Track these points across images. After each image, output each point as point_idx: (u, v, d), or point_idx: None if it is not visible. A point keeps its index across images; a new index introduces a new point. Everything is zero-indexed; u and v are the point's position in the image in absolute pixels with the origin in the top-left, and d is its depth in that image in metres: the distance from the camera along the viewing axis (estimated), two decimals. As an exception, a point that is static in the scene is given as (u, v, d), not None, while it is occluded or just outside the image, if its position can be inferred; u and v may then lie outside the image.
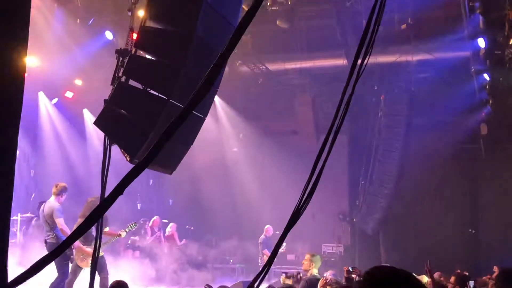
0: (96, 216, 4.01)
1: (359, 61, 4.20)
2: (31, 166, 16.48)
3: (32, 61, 14.52)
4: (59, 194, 10.10)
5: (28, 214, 13.85)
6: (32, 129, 16.60)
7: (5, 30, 3.08)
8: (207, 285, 8.88)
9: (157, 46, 6.53)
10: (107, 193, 4.81)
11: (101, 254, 10.55)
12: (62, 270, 9.85)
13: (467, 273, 9.10)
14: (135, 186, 18.13)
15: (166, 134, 4.11)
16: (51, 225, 9.94)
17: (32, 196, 15.70)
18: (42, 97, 17.09)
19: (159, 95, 6.48)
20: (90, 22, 14.45)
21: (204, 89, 4.09)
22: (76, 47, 15.07)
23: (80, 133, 17.28)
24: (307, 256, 9.08)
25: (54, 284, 9.82)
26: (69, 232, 9.85)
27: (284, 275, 9.05)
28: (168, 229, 16.61)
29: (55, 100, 17.34)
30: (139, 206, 17.96)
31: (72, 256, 10.01)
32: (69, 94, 17.19)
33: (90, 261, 10.16)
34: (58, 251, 4.34)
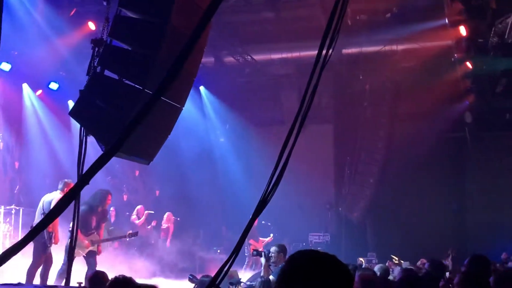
0: (64, 203, 4.02)
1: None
2: (16, 158, 16.34)
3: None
4: (63, 190, 10.37)
5: (13, 206, 13.75)
6: (17, 121, 16.46)
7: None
8: (191, 275, 8.91)
9: (132, 35, 6.50)
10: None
11: (93, 249, 10.72)
12: (36, 257, 10.05)
13: (446, 262, 9.16)
14: (121, 178, 18.06)
15: (134, 122, 4.11)
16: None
17: (17, 188, 15.60)
18: (26, 88, 16.92)
19: (134, 85, 6.45)
20: (72, 12, 14.31)
21: (172, 76, 4.08)
22: (59, 38, 14.91)
23: (65, 125, 17.09)
24: (274, 249, 8.30)
25: (28, 270, 10.05)
26: (57, 225, 10.13)
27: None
28: (164, 225, 16.72)
29: (39, 92, 17.18)
30: (125, 197, 17.86)
31: (49, 246, 10.06)
32: (53, 86, 17.02)
33: (82, 252, 10.35)
34: (32, 235, 4.38)
